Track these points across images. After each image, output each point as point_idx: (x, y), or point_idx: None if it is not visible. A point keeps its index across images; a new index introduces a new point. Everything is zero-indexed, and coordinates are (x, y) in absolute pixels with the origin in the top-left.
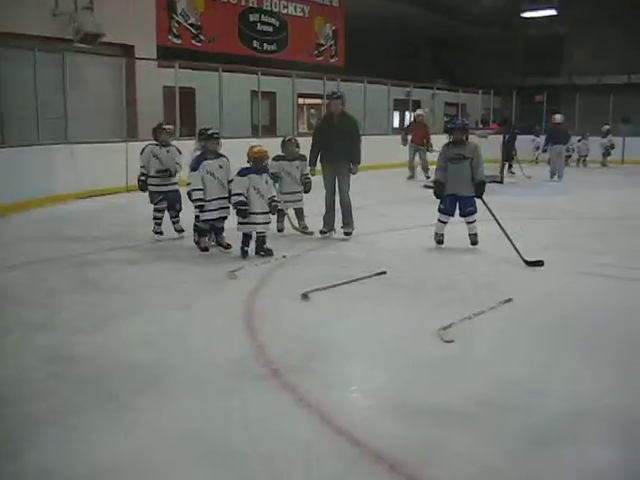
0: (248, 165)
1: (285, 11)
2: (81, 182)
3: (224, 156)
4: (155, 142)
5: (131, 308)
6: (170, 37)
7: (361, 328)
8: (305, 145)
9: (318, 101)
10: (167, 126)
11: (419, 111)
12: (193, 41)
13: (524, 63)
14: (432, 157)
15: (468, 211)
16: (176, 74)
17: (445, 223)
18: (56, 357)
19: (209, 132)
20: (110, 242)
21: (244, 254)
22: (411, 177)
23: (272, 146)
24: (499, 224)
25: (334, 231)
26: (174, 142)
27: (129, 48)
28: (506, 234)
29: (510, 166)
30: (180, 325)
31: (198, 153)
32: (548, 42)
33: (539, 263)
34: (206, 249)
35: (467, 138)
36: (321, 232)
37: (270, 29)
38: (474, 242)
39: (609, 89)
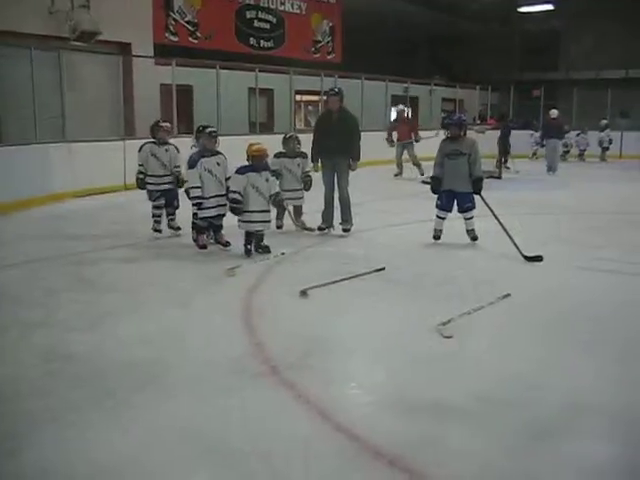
0: (247, 163)
1: (282, 8)
2: (79, 180)
3: (221, 153)
4: (153, 140)
5: (129, 306)
6: (167, 34)
7: (360, 324)
8: (304, 142)
9: (316, 98)
10: (164, 124)
11: (400, 107)
12: (190, 38)
13: (521, 58)
14: (419, 151)
15: (466, 207)
16: (173, 72)
17: (443, 219)
18: (54, 355)
19: (207, 130)
20: (108, 240)
21: (247, 252)
22: (398, 174)
23: (270, 143)
24: (498, 220)
25: (333, 227)
26: (171, 140)
27: (126, 46)
28: (505, 230)
29: (505, 161)
30: (178, 323)
31: (195, 150)
32: (545, 37)
33: (538, 258)
34: (204, 247)
35: (465, 134)
36: (319, 228)
37: (267, 26)
38: (473, 238)
39: (607, 83)
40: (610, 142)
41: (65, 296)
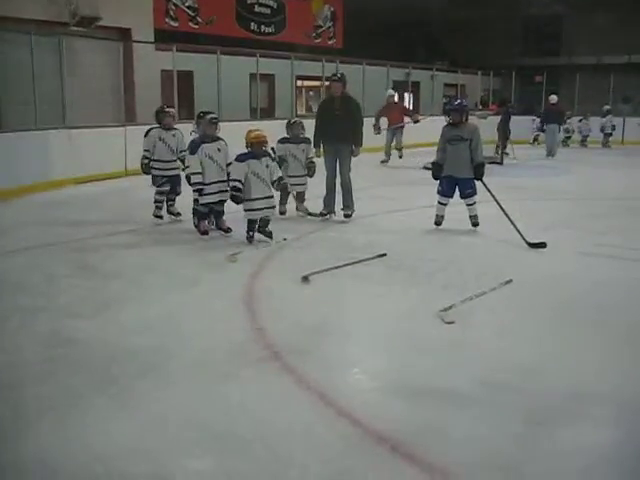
0: (246, 150)
1: None
2: (79, 167)
3: (222, 139)
4: (158, 125)
5: (131, 292)
6: (167, 20)
7: (362, 310)
8: (307, 127)
9: (317, 83)
10: (170, 109)
11: (391, 92)
12: (190, 23)
13: (524, 44)
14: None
15: (467, 193)
16: (174, 57)
17: (444, 205)
18: (55, 342)
19: (208, 117)
20: (110, 226)
21: (250, 239)
22: (385, 161)
23: (271, 129)
24: (500, 206)
25: (334, 213)
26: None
27: (126, 31)
28: (507, 216)
29: (504, 147)
30: (180, 309)
31: (196, 136)
32: (548, 22)
33: (542, 245)
34: (206, 232)
35: (467, 119)
36: (321, 214)
37: (268, 11)
38: (475, 224)
39: (609, 69)
40: (613, 128)
41: (66, 282)
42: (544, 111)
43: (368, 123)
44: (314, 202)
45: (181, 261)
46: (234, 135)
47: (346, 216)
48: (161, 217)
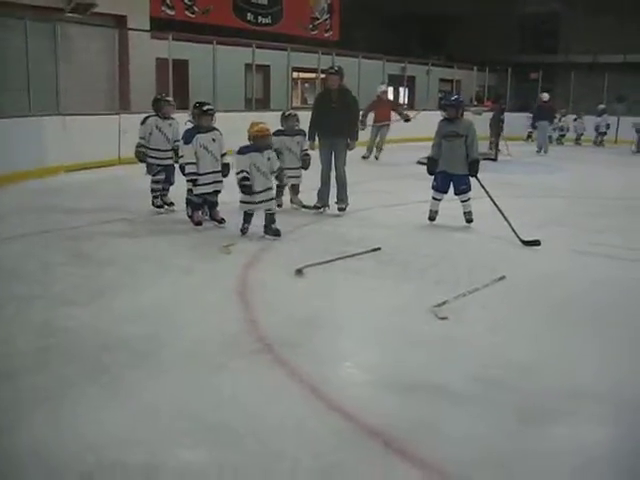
0: (248, 143)
1: None
2: (73, 154)
3: (217, 129)
4: (155, 114)
5: (125, 281)
6: (163, 8)
7: (355, 304)
8: (302, 119)
9: (312, 75)
10: (169, 98)
11: (383, 87)
12: (187, 12)
13: (520, 40)
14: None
15: (462, 189)
16: (170, 46)
17: (439, 200)
18: (48, 330)
19: (204, 108)
20: (104, 214)
21: (244, 231)
22: (366, 157)
23: (266, 120)
24: (494, 202)
25: (328, 207)
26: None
27: (121, 19)
28: (502, 213)
29: (497, 143)
30: (174, 299)
31: (190, 126)
32: (545, 20)
33: (536, 243)
34: (200, 223)
35: (462, 115)
36: (315, 207)
37: (265, 1)
38: (469, 220)
39: (605, 68)
40: (607, 127)
41: (61, 270)
42: (536, 108)
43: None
44: (308, 194)
45: (175, 251)
46: (228, 125)
47: (340, 210)
48: (161, 206)
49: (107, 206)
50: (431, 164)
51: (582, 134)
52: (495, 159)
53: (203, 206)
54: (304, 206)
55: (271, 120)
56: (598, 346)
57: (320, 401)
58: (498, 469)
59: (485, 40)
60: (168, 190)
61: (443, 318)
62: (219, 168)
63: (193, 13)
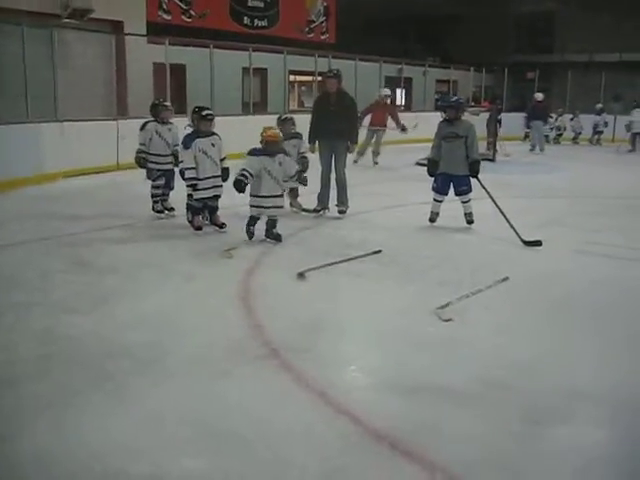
0: (259, 146)
1: None
2: (72, 160)
3: (216, 134)
4: (153, 119)
5: (126, 288)
6: (160, 13)
7: (358, 307)
8: (299, 122)
9: (309, 78)
10: (167, 103)
11: (387, 91)
12: (183, 17)
13: (516, 40)
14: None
15: (462, 190)
16: (167, 50)
17: (439, 202)
18: (50, 338)
19: (203, 113)
20: (103, 221)
21: (249, 234)
22: (357, 161)
23: (263, 123)
24: (495, 203)
25: (328, 209)
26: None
27: (118, 24)
28: (503, 213)
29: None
30: (176, 305)
31: (190, 131)
32: (541, 19)
33: (537, 243)
34: (200, 228)
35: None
36: (315, 210)
37: (261, 5)
38: (469, 221)
39: (601, 67)
40: (605, 125)
41: (61, 277)
42: (530, 108)
43: None
44: (307, 198)
45: (176, 256)
46: (226, 129)
47: (340, 212)
48: (162, 212)
49: (107, 212)
50: (431, 166)
51: (580, 133)
52: (493, 159)
53: (203, 211)
54: (304, 210)
55: (268, 123)
56: (599, 346)
57: (327, 406)
58: (503, 470)
59: (481, 40)
60: (168, 195)
61: (447, 320)
62: (219, 173)
63: (190, 17)
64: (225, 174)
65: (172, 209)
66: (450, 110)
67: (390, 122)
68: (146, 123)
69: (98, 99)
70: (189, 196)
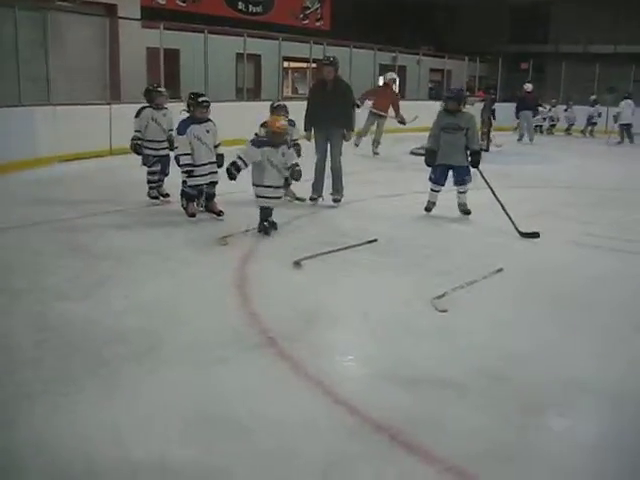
0: (264, 135)
1: None
2: (64, 144)
3: (211, 120)
4: (148, 105)
5: (121, 274)
6: None
7: (354, 297)
8: (293, 109)
9: (304, 65)
10: (162, 89)
11: (392, 75)
12: (177, 1)
13: (511, 30)
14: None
15: (462, 180)
16: (161, 35)
17: (437, 192)
18: (45, 324)
19: (199, 99)
20: (98, 206)
21: (265, 231)
22: (357, 145)
23: (256, 109)
24: (494, 194)
25: (322, 198)
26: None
27: (112, 7)
28: (501, 204)
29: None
30: (171, 292)
31: (185, 116)
32: (535, 9)
33: (534, 235)
34: (194, 215)
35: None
36: (310, 199)
37: None
38: (465, 212)
39: (595, 58)
40: (599, 115)
41: (55, 263)
42: (519, 98)
43: None
44: (302, 186)
45: (172, 243)
46: (219, 115)
47: (335, 201)
48: (157, 198)
49: (101, 197)
50: (429, 155)
51: (573, 124)
52: (487, 149)
53: (198, 197)
54: (297, 198)
55: (262, 110)
56: (597, 337)
57: (326, 395)
58: (502, 461)
59: (476, 30)
60: (163, 181)
61: (443, 311)
62: (214, 159)
63: (184, 2)
64: (220, 160)
65: (167, 195)
66: (452, 101)
67: (390, 110)
68: (142, 109)
69: (91, 83)
70: (183, 182)
